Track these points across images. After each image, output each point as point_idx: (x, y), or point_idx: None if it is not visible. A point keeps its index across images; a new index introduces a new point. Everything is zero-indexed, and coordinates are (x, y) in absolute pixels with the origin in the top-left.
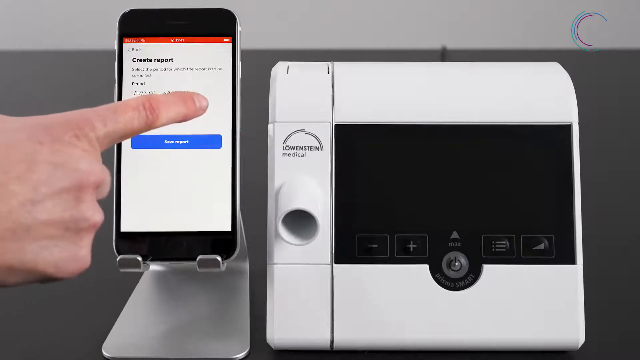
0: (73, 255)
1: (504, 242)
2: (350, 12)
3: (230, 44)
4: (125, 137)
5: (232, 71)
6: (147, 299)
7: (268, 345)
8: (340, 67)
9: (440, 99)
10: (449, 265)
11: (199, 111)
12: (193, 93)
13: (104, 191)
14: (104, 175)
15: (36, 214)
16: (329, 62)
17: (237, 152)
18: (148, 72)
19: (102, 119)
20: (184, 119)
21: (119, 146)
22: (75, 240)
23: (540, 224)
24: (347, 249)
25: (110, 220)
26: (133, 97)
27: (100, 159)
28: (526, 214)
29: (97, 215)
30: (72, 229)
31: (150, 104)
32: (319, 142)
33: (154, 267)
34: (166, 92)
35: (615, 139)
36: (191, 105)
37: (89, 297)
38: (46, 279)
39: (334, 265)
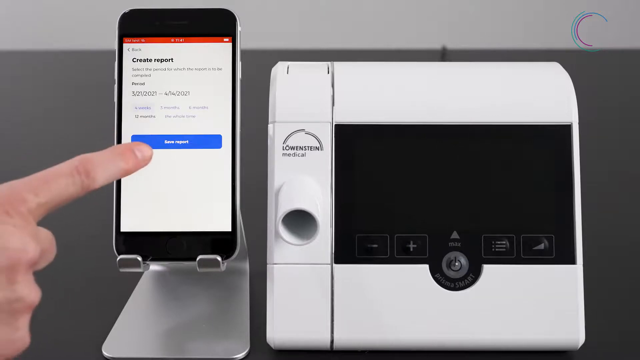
0: (9, 339)
1: (504, 242)
2: (350, 12)
3: (230, 44)
4: (61, 204)
5: (232, 71)
6: (147, 299)
7: (268, 345)
8: (340, 67)
9: (440, 99)
10: (449, 265)
11: (142, 162)
12: (134, 144)
13: (48, 258)
14: (40, 249)
15: None
16: (329, 62)
17: (237, 152)
18: (148, 72)
19: (34, 191)
20: (125, 174)
21: None
22: (10, 321)
23: (540, 224)
24: (347, 249)
25: (110, 220)
26: (65, 162)
27: (35, 232)
28: (526, 214)
29: (33, 295)
30: (5, 310)
31: (84, 168)
32: (319, 142)
33: (154, 267)
34: (105, 149)
35: (615, 139)
36: (131, 158)
37: (89, 297)
38: None
39: (334, 265)
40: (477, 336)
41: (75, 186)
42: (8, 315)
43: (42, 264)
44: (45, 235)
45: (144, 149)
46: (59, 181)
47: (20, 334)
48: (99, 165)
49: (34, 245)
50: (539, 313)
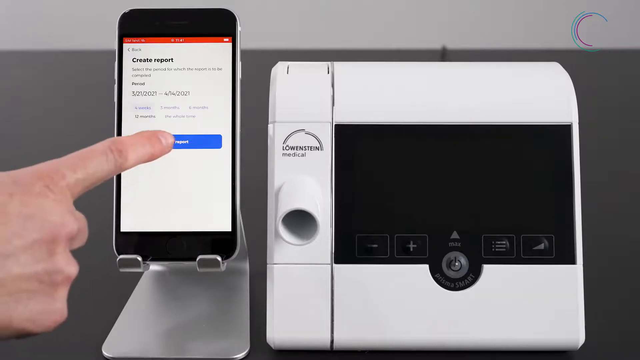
0: (48, 309)
1: (504, 242)
2: (350, 12)
3: (230, 44)
4: (96, 182)
5: (232, 71)
6: (147, 299)
7: (268, 345)
8: (340, 67)
9: (440, 99)
10: (449, 265)
11: (166, 149)
12: (158, 131)
13: (82, 239)
14: (77, 225)
15: (10, 268)
16: (329, 62)
17: (237, 152)
18: (148, 72)
19: (72, 167)
20: (151, 158)
21: None
22: (50, 292)
23: (540, 224)
24: (347, 249)
25: (110, 220)
26: (98, 143)
27: (72, 209)
28: (526, 214)
29: (71, 267)
30: (46, 281)
31: (117, 147)
32: (319, 142)
33: (154, 267)
34: (133, 133)
35: (615, 139)
36: (157, 143)
37: (89, 297)
38: (22, 334)
39: (334, 265)
40: (477, 336)
41: (109, 164)
42: (48, 286)
43: (77, 244)
44: (80, 215)
45: (167, 135)
46: (94, 159)
47: (58, 306)
48: (130, 146)
49: (73, 220)
50: (539, 313)
